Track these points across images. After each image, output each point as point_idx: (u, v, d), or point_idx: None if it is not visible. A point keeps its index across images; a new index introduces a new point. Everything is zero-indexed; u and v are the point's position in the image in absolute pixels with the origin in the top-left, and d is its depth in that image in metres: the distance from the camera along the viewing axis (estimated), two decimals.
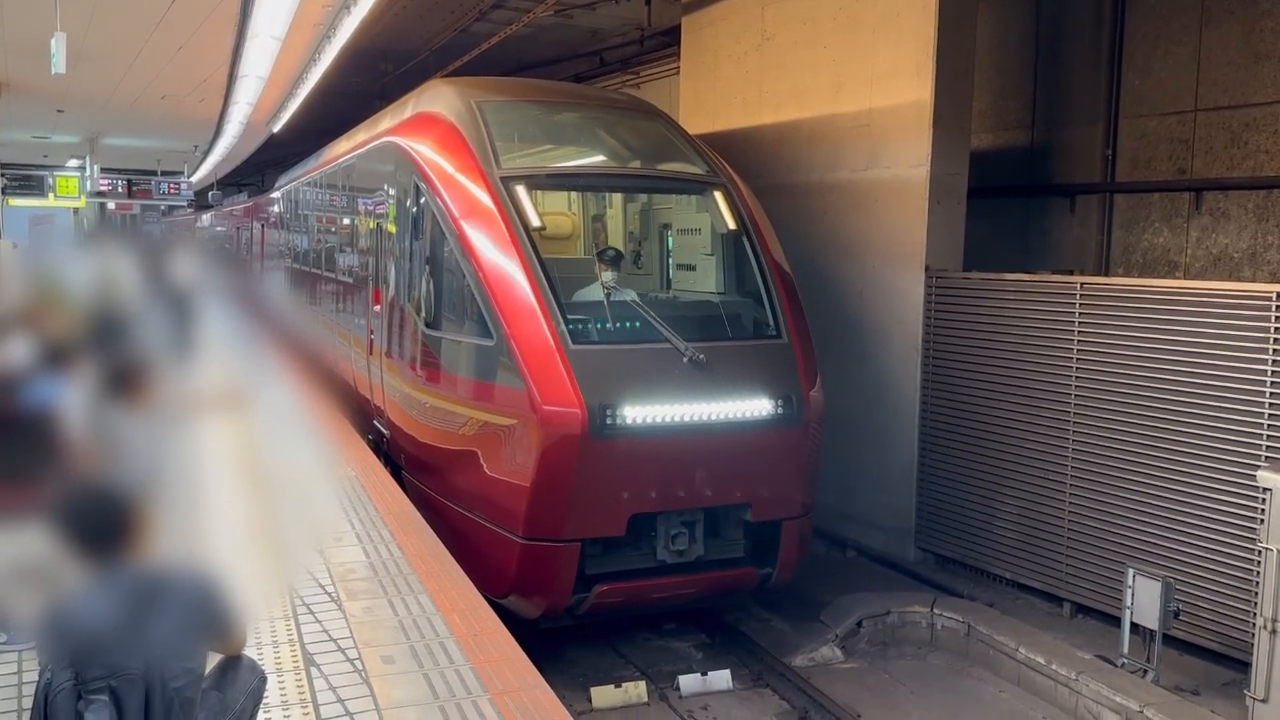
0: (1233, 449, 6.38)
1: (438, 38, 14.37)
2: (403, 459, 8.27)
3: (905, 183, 8.66)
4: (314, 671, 4.29)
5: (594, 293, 7.17)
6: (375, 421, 9.10)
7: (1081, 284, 7.40)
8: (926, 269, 8.51)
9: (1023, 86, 9.85)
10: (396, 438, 8.37)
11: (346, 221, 11.27)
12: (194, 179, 28.00)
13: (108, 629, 2.59)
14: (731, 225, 7.56)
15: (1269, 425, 6.18)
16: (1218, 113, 8.00)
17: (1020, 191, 9.85)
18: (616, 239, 8.94)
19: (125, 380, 3.52)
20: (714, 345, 6.76)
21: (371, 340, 9.32)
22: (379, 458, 8.40)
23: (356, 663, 4.38)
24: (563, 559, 6.56)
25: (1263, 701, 5.63)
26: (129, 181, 22.72)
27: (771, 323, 7.20)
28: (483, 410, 6.79)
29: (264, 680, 3.16)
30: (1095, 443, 7.23)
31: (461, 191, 7.21)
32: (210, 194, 29.66)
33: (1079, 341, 7.30)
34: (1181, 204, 8.30)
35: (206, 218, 31.68)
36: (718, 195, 7.70)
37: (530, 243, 6.81)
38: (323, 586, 5.25)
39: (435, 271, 7.54)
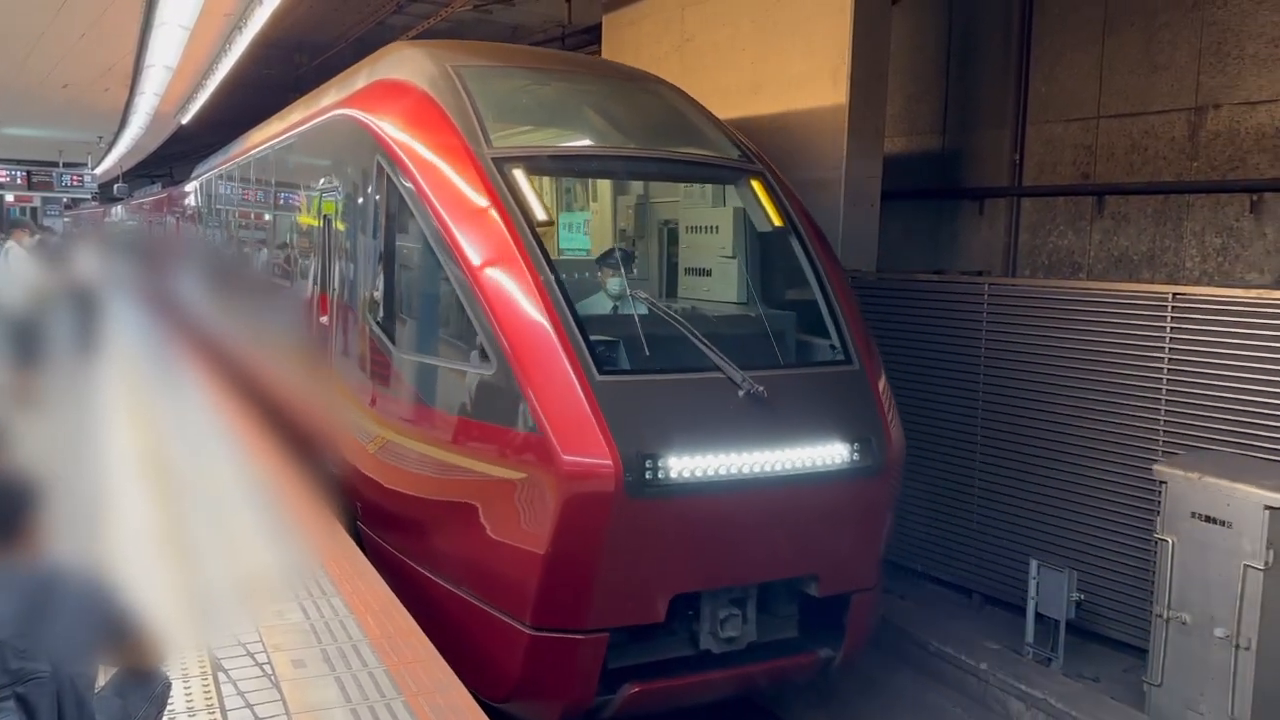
0: (1131, 443, 6.61)
1: (354, 30, 14.15)
2: (359, 508, 6.62)
3: (822, 185, 8.79)
4: (221, 677, 4.19)
5: (597, 305, 5.96)
6: (320, 458, 7.33)
7: (989, 284, 7.60)
8: None
9: (935, 92, 10.07)
10: (354, 482, 6.61)
11: (284, 215, 9.68)
12: (98, 171, 27.12)
13: (2, 631, 2.49)
14: (776, 221, 6.22)
15: (1165, 420, 6.43)
16: (1119, 120, 8.29)
17: (932, 195, 10.07)
18: (604, 238, 7.67)
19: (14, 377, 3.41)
20: (772, 374, 5.34)
21: (319, 360, 7.66)
22: (330, 506, 6.69)
23: (266, 667, 4.29)
24: (584, 656, 5.08)
25: (1158, 687, 5.86)
26: (28, 173, 21.95)
27: (837, 343, 5.84)
28: (478, 458, 5.24)
29: (168, 686, 3.08)
30: (1002, 438, 7.43)
31: (442, 176, 5.74)
32: (116, 186, 28.73)
33: (987, 340, 7.50)
34: (1085, 208, 8.58)
35: (118, 211, 30.14)
36: (756, 185, 6.35)
37: (536, 241, 5.40)
38: (230, 591, 5.13)
39: (405, 277, 6.15)
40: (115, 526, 5.87)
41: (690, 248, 7.24)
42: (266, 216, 10.35)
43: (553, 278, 5.26)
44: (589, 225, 7.88)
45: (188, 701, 3.96)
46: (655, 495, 4.86)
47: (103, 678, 2.82)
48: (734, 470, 5.02)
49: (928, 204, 10.08)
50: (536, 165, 6.04)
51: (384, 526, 6.30)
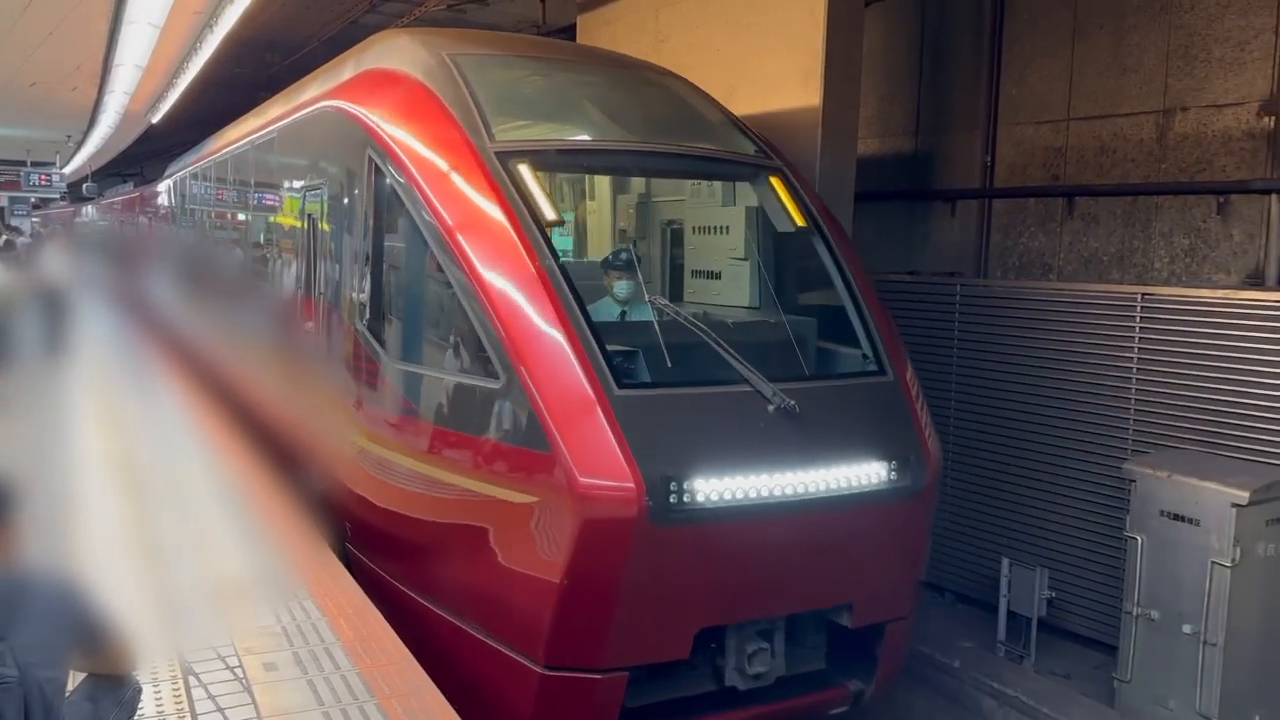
0: (1102, 442, 6.68)
1: (327, 29, 14.06)
2: (348, 529, 6.20)
3: None
4: (192, 681, 4.15)
5: (602, 311, 5.56)
6: (303, 474, 6.88)
7: (960, 285, 7.66)
8: None
9: (908, 94, 10.13)
10: (343, 500, 6.18)
11: (264, 214, 9.10)
12: (67, 170, 26.82)
13: None
14: (798, 221, 5.85)
15: (1135, 418, 6.50)
16: (1088, 122, 8.37)
17: (904, 196, 10.13)
18: (602, 239, 7.35)
19: None
20: (801, 387, 4.96)
21: (302, 367, 7.25)
22: (314, 524, 6.23)
23: (237, 670, 4.25)
24: (601, 697, 4.69)
25: (1127, 683, 5.92)
26: None
27: (869, 352, 5.49)
28: (484, 480, 4.84)
29: (139, 691, 3.05)
30: (973, 438, 7.49)
31: (441, 171, 5.33)
32: (85, 186, 28.41)
33: (959, 340, 7.56)
34: (1055, 209, 8.65)
35: (90, 211, 29.64)
36: (775, 183, 5.98)
37: (545, 242, 5.02)
38: (201, 593, 5.09)
39: (399, 279, 5.76)
40: (83, 530, 5.81)
41: (697, 249, 6.88)
42: (245, 216, 9.82)
43: (564, 282, 4.85)
44: (568, 226, 7.53)
45: (158, 706, 3.92)
46: (681, 521, 4.47)
47: (72, 683, 2.79)
48: (765, 493, 4.63)
49: (900, 205, 10.13)
50: (543, 160, 5.59)
51: (377, 550, 5.87)
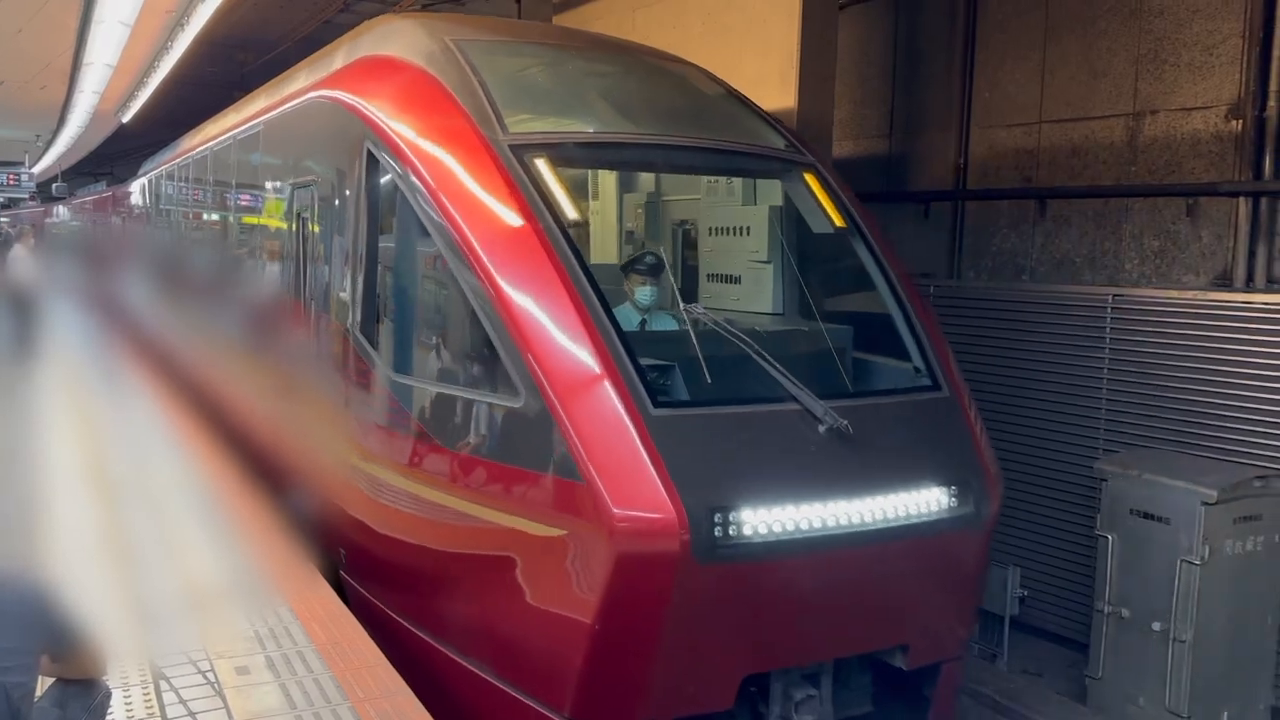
0: (1073, 442, 6.74)
1: (300, 29, 13.98)
2: (343, 556, 5.69)
3: None
4: (163, 685, 4.11)
5: (622, 319, 4.86)
6: (291, 493, 6.38)
7: (933, 286, 7.71)
8: None
9: (882, 97, 10.19)
10: (338, 524, 5.64)
11: (246, 214, 8.55)
12: (36, 170, 26.52)
13: None
14: (837, 221, 5.39)
15: (1106, 418, 6.57)
16: (1060, 125, 8.44)
17: (878, 198, 10.17)
18: (607, 241, 6.90)
19: None
20: (852, 404, 4.49)
21: (290, 379, 6.71)
22: (305, 548, 5.78)
23: (209, 675, 4.21)
24: None
25: (1099, 680, 5.98)
26: None
27: (921, 365, 4.98)
28: (502, 509, 4.35)
29: (108, 696, 3.02)
30: None
31: (448, 165, 4.82)
32: (54, 185, 28.09)
33: None
34: (1028, 211, 8.72)
35: (62, 211, 29.15)
36: (810, 179, 5.54)
37: (569, 244, 4.50)
38: (172, 597, 5.04)
39: (402, 284, 5.28)
40: (51, 534, 5.74)
41: (714, 252, 6.45)
42: (227, 216, 9.26)
43: (591, 288, 4.35)
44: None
45: (128, 712, 3.88)
46: (728, 558, 3.99)
47: (41, 688, 2.76)
48: (819, 524, 4.16)
49: (874, 207, 10.12)
50: (562, 154, 5.03)
51: (376, 580, 5.36)
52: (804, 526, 4.13)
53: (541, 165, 4.77)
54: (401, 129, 5.12)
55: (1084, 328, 6.67)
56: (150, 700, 3.98)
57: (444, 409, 4.79)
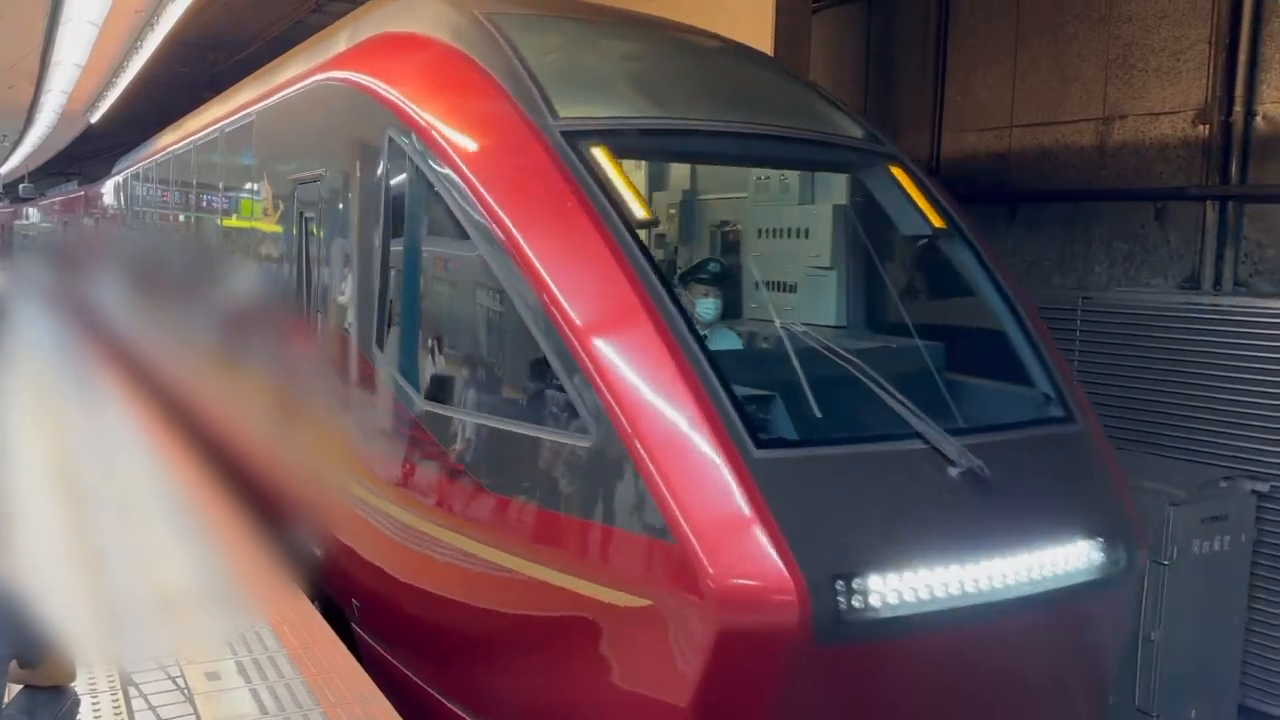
0: None
1: (271, 29, 13.91)
2: (356, 608, 5.05)
3: None
4: (132, 691, 4.07)
5: None
6: (293, 534, 5.68)
7: None
8: None
9: (854, 101, 10.24)
10: (350, 572, 4.99)
11: (234, 215, 7.67)
12: (3, 170, 26.20)
13: None
14: (935, 222, 4.64)
15: None
16: (1030, 129, 8.52)
17: None
18: None
19: None
20: (981, 441, 3.75)
21: (294, 401, 5.86)
22: (306, 591, 5.22)
23: (179, 680, 4.18)
24: None
25: None
26: None
27: (1051, 392, 4.26)
28: (568, 571, 3.55)
29: (77, 703, 2.99)
30: None
31: (492, 156, 4.14)
32: (21, 186, 27.73)
33: None
34: (999, 215, 8.80)
35: (33, 213, 28.49)
36: (897, 174, 4.79)
37: (641, 250, 3.77)
38: (141, 602, 4.99)
39: (436, 299, 4.59)
40: (19, 540, 5.67)
41: (765, 257, 5.71)
42: (214, 218, 8.43)
43: (670, 302, 3.62)
44: None
45: (96, 718, 3.84)
46: (855, 636, 3.26)
47: (8, 696, 2.73)
48: (960, 590, 3.39)
49: None
50: (623, 143, 4.26)
51: (398, 642, 4.71)
52: (942, 594, 3.37)
53: (601, 156, 4.04)
54: (431, 114, 4.37)
55: (1053, 331, 6.73)
56: (119, 707, 3.94)
57: (494, 447, 4.00)
